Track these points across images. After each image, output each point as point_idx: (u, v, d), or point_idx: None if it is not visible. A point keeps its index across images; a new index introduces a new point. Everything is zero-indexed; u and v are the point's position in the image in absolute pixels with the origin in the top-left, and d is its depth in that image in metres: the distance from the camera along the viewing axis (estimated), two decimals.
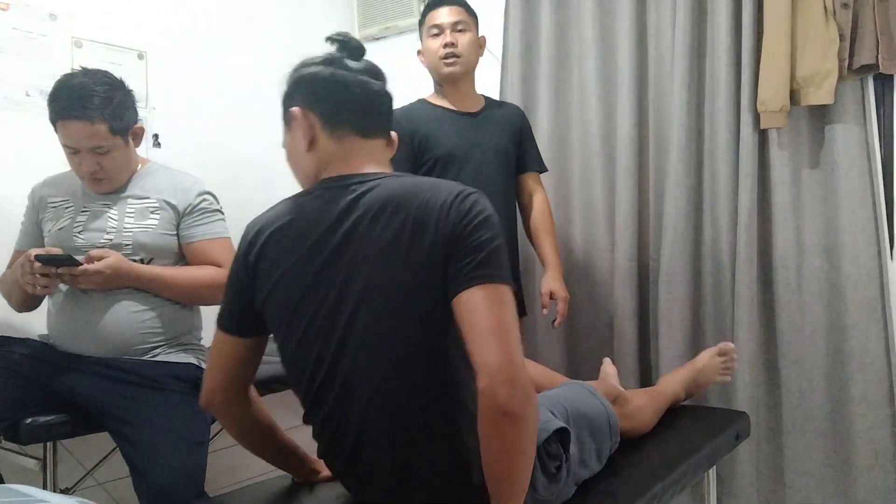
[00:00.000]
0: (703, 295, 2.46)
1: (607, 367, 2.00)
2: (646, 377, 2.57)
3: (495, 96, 2.94)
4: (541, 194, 2.34)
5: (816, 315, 2.25)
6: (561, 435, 1.26)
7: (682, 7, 2.40)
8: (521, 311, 2.24)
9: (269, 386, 2.29)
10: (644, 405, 1.72)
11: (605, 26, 2.65)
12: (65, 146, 1.67)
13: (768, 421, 2.34)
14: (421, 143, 2.13)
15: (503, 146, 2.22)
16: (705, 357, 2.01)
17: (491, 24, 2.96)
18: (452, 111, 2.21)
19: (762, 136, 2.32)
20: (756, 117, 2.27)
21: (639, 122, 2.57)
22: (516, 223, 2.31)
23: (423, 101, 2.25)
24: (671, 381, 1.94)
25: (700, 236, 2.46)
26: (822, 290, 2.25)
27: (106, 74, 1.72)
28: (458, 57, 2.13)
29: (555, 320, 2.20)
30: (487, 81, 2.98)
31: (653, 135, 2.56)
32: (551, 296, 2.19)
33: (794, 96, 2.19)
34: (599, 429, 1.45)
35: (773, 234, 2.32)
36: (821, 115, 2.25)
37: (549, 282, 2.20)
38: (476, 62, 2.23)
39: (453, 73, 2.15)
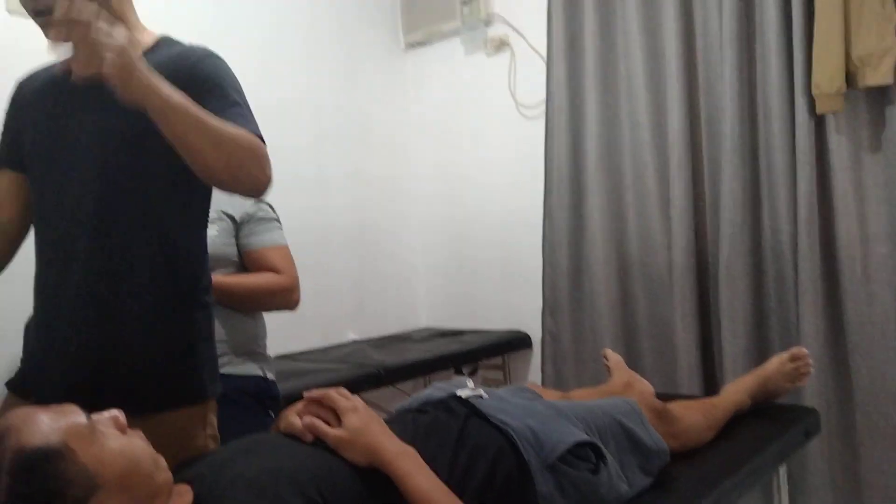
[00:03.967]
0: (766, 289, 2.39)
1: (612, 358, 1.90)
2: (709, 376, 2.51)
3: (541, 95, 2.94)
4: None
5: (886, 305, 2.16)
6: (588, 447, 1.23)
7: None
8: None
9: None
10: (695, 422, 1.62)
11: (649, 18, 2.61)
12: None
13: (840, 417, 2.26)
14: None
15: (120, 125, 1.18)
16: (775, 363, 1.88)
17: (533, 21, 2.98)
18: (61, 76, 1.21)
19: (819, 121, 2.24)
20: (811, 102, 2.20)
21: (690, 113, 2.52)
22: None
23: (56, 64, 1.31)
24: (735, 391, 1.83)
25: (759, 228, 2.40)
26: (891, 279, 2.16)
27: None
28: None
29: None
30: (533, 78, 3.00)
31: (705, 125, 2.51)
32: None
33: (850, 78, 2.12)
34: (643, 443, 1.38)
35: (835, 223, 2.24)
36: (880, 97, 2.16)
37: None
38: None
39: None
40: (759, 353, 2.38)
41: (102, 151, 1.19)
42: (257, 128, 1.23)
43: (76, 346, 1.19)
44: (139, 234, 1.20)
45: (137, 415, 1.02)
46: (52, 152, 1.24)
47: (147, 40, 1.30)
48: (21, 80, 1.38)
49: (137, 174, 1.20)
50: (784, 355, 1.87)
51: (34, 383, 1.26)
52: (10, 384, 1.32)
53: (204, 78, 1.22)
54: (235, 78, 1.30)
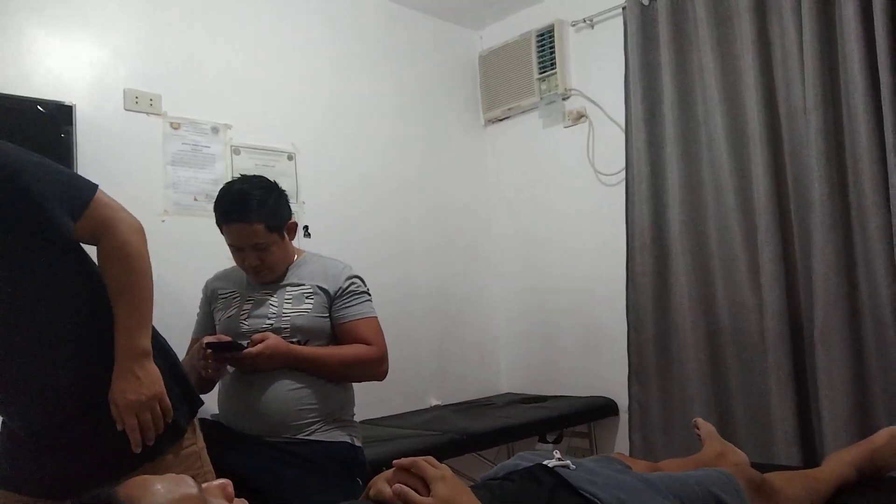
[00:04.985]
0: (866, 354, 2.29)
1: (704, 427, 1.85)
2: (808, 446, 2.40)
3: (620, 163, 2.98)
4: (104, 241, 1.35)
5: None
6: None
7: (810, 60, 2.35)
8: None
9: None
10: (796, 496, 1.53)
11: (729, 86, 2.63)
12: (230, 245, 1.87)
13: None
14: None
15: None
16: (884, 436, 1.77)
17: (610, 92, 3.05)
18: None
19: None
20: None
21: (775, 178, 2.49)
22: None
23: None
24: (839, 462, 1.73)
25: (856, 291, 2.32)
26: None
27: (262, 179, 1.92)
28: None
29: None
30: (611, 147, 3.04)
31: (792, 190, 2.48)
32: None
33: None
34: None
35: None
36: None
37: None
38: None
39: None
40: (863, 422, 2.26)
41: None
42: (83, 193, 1.31)
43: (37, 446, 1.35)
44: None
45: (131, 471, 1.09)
46: None
47: None
48: None
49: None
50: (895, 428, 1.78)
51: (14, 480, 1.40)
52: None
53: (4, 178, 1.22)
54: (26, 156, 1.28)
